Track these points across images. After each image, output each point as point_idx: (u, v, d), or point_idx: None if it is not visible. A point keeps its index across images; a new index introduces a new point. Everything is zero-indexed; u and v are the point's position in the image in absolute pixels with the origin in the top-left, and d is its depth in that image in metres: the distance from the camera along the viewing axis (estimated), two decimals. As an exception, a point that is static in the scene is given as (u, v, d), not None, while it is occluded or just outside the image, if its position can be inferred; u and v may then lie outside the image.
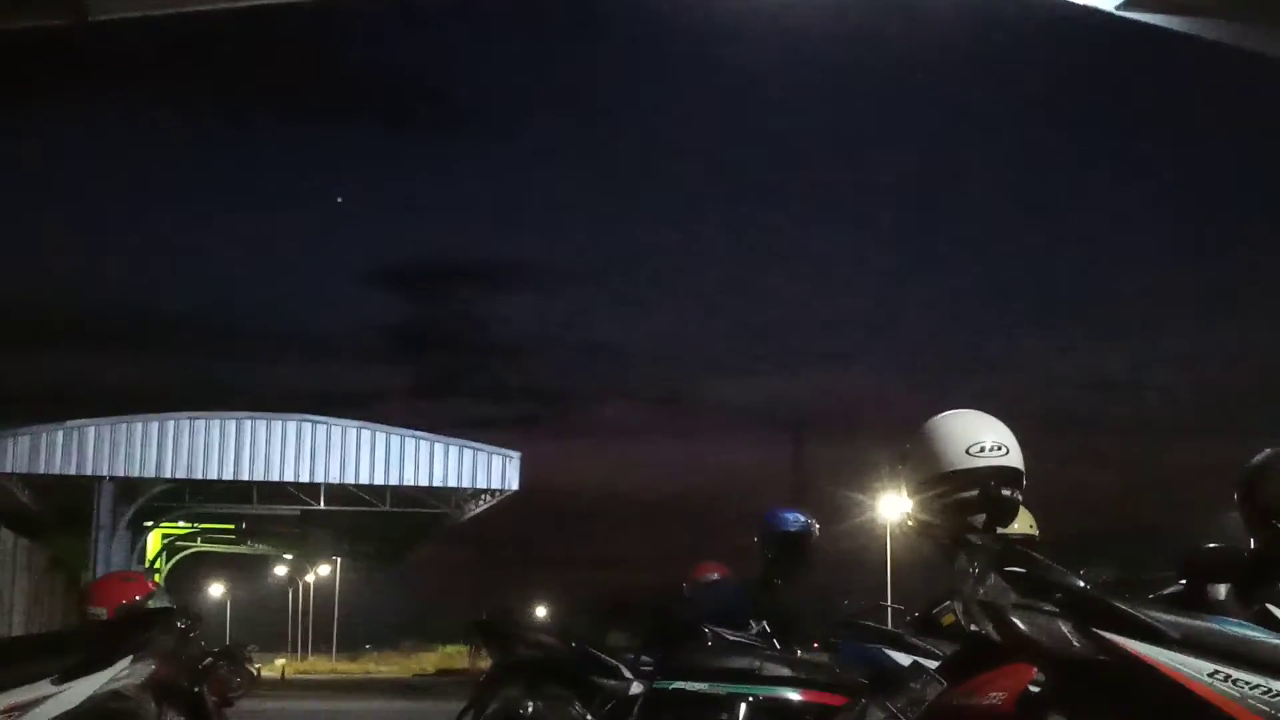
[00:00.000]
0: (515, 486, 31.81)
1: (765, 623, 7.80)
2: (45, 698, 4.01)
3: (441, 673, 59.34)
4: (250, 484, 31.66)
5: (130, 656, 4.17)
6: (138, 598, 6.80)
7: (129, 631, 4.37)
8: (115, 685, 4.11)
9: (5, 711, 3.96)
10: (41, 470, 28.93)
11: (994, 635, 3.27)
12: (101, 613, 6.66)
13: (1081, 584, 3.32)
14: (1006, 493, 4.04)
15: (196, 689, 6.86)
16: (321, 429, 30.58)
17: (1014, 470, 4.07)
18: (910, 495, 4.14)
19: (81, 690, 4.04)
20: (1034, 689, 3.18)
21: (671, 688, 6.44)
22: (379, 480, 31.16)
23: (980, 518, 3.99)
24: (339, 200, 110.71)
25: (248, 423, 30.25)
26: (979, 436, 4.06)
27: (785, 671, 6.44)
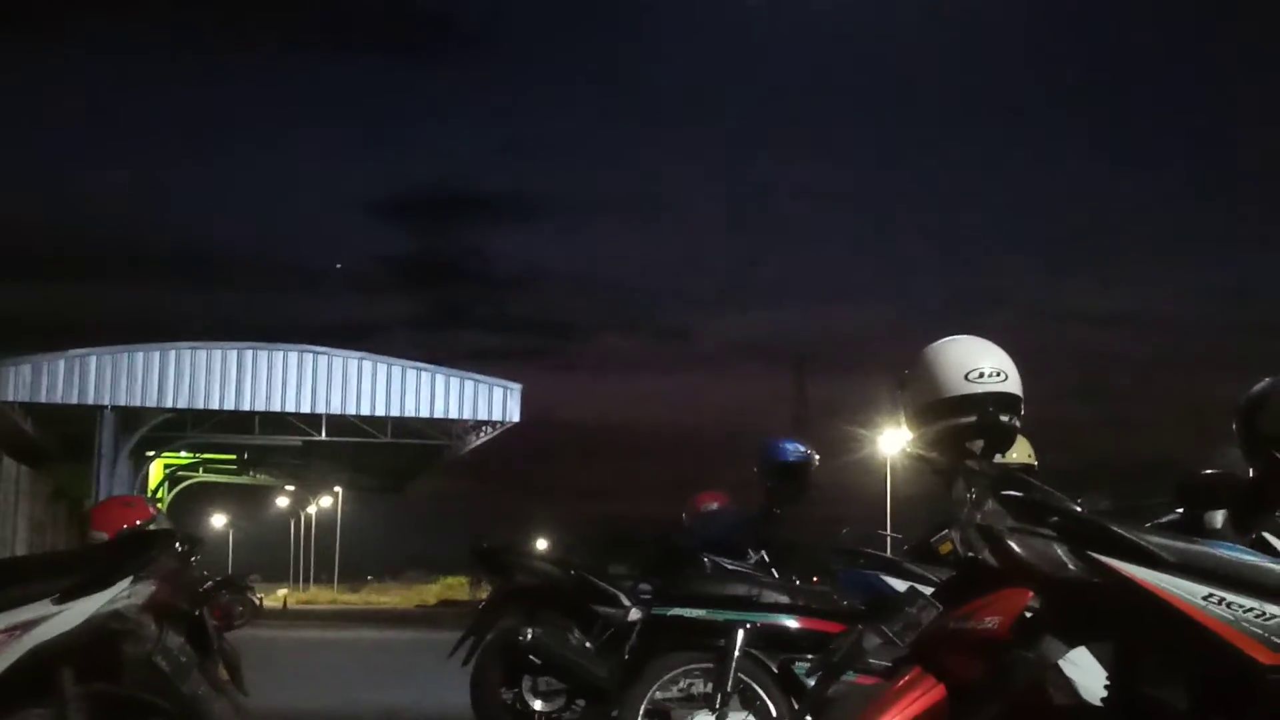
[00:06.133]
0: (516, 418, 31.90)
1: (764, 552, 7.83)
2: (46, 617, 4.01)
3: (443, 603, 59.82)
4: (252, 414, 31.72)
5: (130, 577, 4.16)
6: (139, 522, 6.81)
7: (129, 552, 4.35)
8: (116, 606, 4.10)
9: (6, 630, 3.97)
10: (44, 399, 29.00)
11: (991, 560, 3.27)
12: (103, 537, 6.68)
13: (1078, 509, 3.32)
14: (1005, 419, 4.02)
15: (197, 612, 6.89)
16: (323, 360, 30.61)
17: (1012, 396, 4.05)
18: (908, 421, 4.13)
19: (82, 610, 4.04)
20: (1030, 613, 3.19)
21: (669, 614, 6.46)
22: (380, 411, 31.25)
23: (978, 444, 3.98)
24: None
25: (249, 353, 30.27)
26: (978, 362, 4.04)
27: (783, 599, 6.47)
